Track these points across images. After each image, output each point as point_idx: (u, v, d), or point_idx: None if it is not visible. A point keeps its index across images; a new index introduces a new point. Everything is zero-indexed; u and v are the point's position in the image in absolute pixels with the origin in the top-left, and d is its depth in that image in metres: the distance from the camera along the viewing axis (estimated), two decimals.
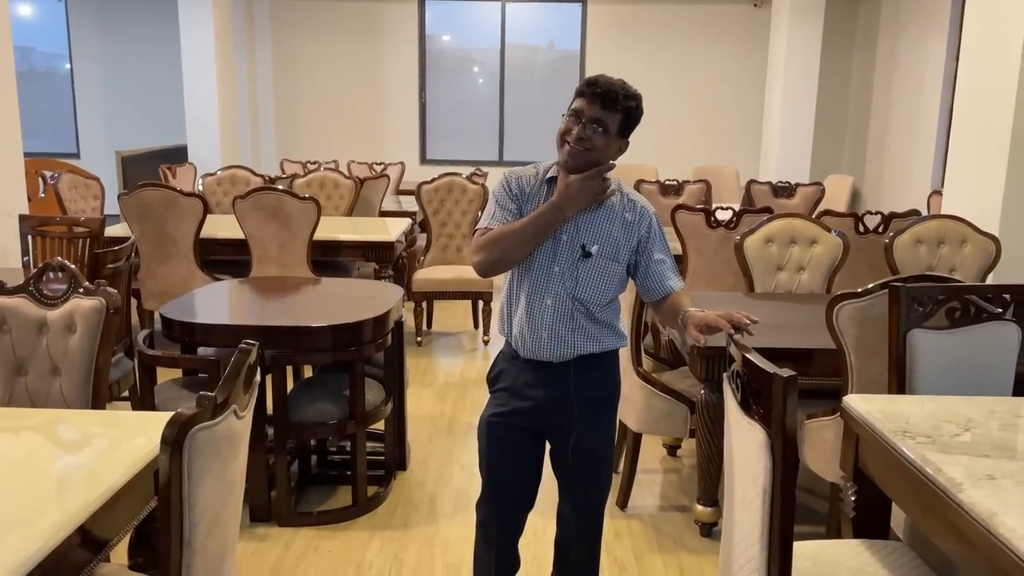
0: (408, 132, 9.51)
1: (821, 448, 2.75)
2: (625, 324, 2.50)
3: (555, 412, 2.08)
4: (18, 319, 2.31)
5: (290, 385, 3.24)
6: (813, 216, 4.28)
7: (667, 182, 6.01)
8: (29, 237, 4.15)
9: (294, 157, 8.57)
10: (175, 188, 4.84)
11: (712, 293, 3.82)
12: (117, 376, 3.31)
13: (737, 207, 5.07)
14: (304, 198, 4.69)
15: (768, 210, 4.26)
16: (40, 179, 6.84)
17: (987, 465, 1.71)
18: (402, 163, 8.35)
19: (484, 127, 9.62)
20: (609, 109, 1.96)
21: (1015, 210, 3.93)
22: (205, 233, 4.82)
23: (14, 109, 4.77)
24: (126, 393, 3.49)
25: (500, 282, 2.19)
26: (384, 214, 6.45)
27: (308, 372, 3.78)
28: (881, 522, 2.16)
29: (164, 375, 3.19)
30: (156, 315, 5.10)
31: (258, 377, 1.73)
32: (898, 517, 2.21)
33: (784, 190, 6.21)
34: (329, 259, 5.06)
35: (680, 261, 4.26)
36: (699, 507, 3.01)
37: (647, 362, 3.69)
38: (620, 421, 3.24)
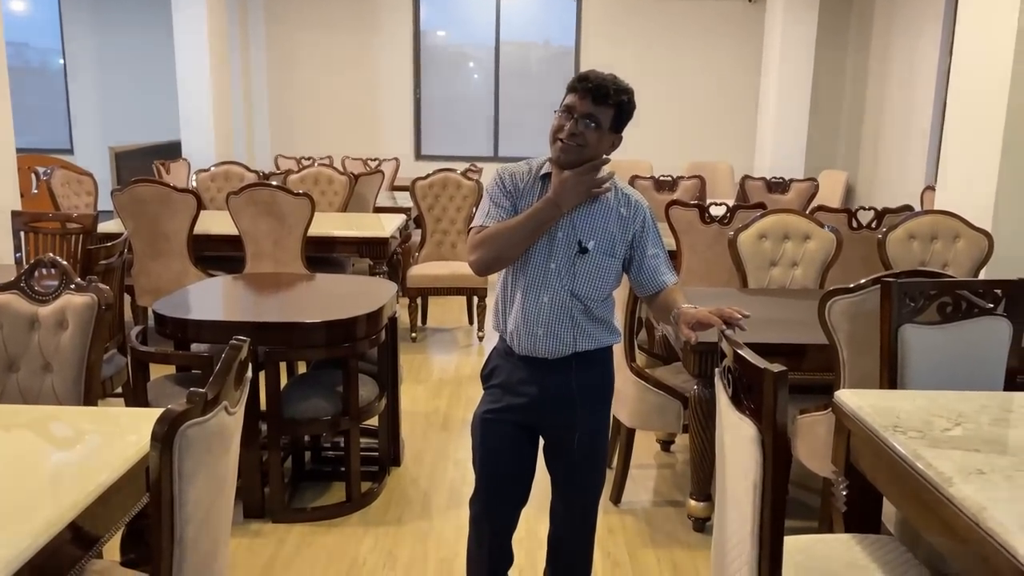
0: (403, 128, 9.49)
1: (813, 443, 2.76)
2: (619, 320, 2.51)
3: (551, 408, 2.09)
4: (9, 316, 2.31)
5: (284, 381, 3.24)
6: (807, 212, 4.29)
7: (662, 178, 6.02)
8: (21, 233, 4.13)
9: (288, 153, 8.56)
10: (168, 184, 4.82)
11: (706, 289, 3.83)
12: (110, 372, 3.31)
13: (731, 203, 5.08)
14: (298, 194, 4.68)
15: (762, 206, 4.26)
16: (33, 175, 6.82)
17: (977, 460, 1.72)
18: (397, 159, 8.34)
19: (479, 123, 9.61)
20: (601, 104, 1.96)
21: (1008, 206, 3.94)
22: (199, 229, 4.82)
23: (6, 104, 4.76)
24: (119, 390, 3.48)
25: (495, 278, 2.19)
26: (379, 210, 6.45)
27: (302, 368, 3.77)
28: (872, 517, 2.17)
29: (158, 371, 3.19)
30: (150, 311, 5.12)
31: (249, 373, 1.72)
32: (889, 512, 2.21)
33: (778, 186, 6.22)
34: (323, 255, 5.06)
35: (674, 257, 4.27)
36: (692, 502, 3.02)
37: (641, 357, 3.70)
38: (613, 416, 3.24)
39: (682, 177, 6.06)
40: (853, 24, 8.91)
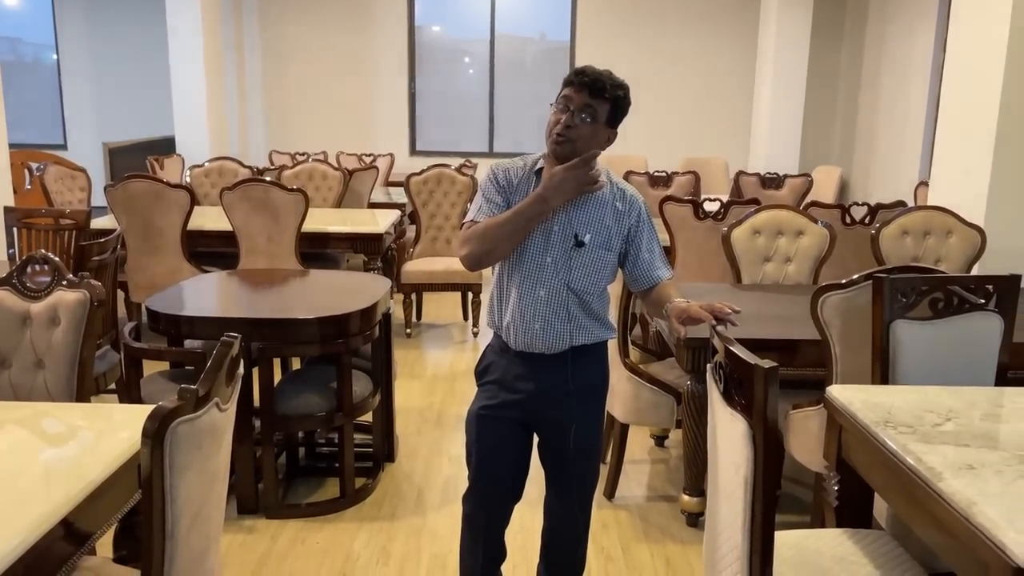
0: (398, 123, 9.48)
1: (806, 438, 2.77)
2: (613, 316, 2.51)
3: (546, 403, 2.09)
4: (1, 312, 2.30)
5: (278, 377, 3.24)
6: (800, 208, 4.29)
7: (656, 173, 6.02)
8: (14, 229, 4.12)
9: (283, 148, 8.54)
10: (162, 180, 4.81)
11: (700, 284, 3.84)
12: (104, 369, 3.30)
13: (725, 198, 5.08)
14: (292, 190, 4.67)
15: (755, 201, 4.27)
16: (26, 171, 6.79)
17: (968, 455, 1.72)
18: (391, 154, 8.33)
19: (474, 118, 9.60)
20: (597, 97, 1.96)
21: (1000, 201, 3.95)
22: (192, 225, 4.81)
23: None
24: (113, 386, 3.48)
25: (490, 274, 2.19)
26: (373, 205, 6.44)
27: (296, 364, 3.77)
28: (864, 511, 2.18)
29: (151, 368, 3.18)
30: (143, 307, 5.11)
31: (241, 369, 1.72)
32: (880, 506, 2.22)
33: (772, 181, 6.23)
34: (317, 251, 5.05)
35: (668, 252, 4.27)
36: (685, 497, 3.03)
37: (635, 353, 3.70)
38: (608, 412, 3.24)
39: (676, 173, 6.06)
40: (848, 20, 8.92)
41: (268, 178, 5.02)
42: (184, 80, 7.75)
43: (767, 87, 8.09)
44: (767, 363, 1.54)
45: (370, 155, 8.18)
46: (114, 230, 4.20)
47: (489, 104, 9.51)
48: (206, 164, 6.41)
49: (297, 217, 4.66)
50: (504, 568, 2.31)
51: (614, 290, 2.68)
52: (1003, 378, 2.38)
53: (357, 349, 3.19)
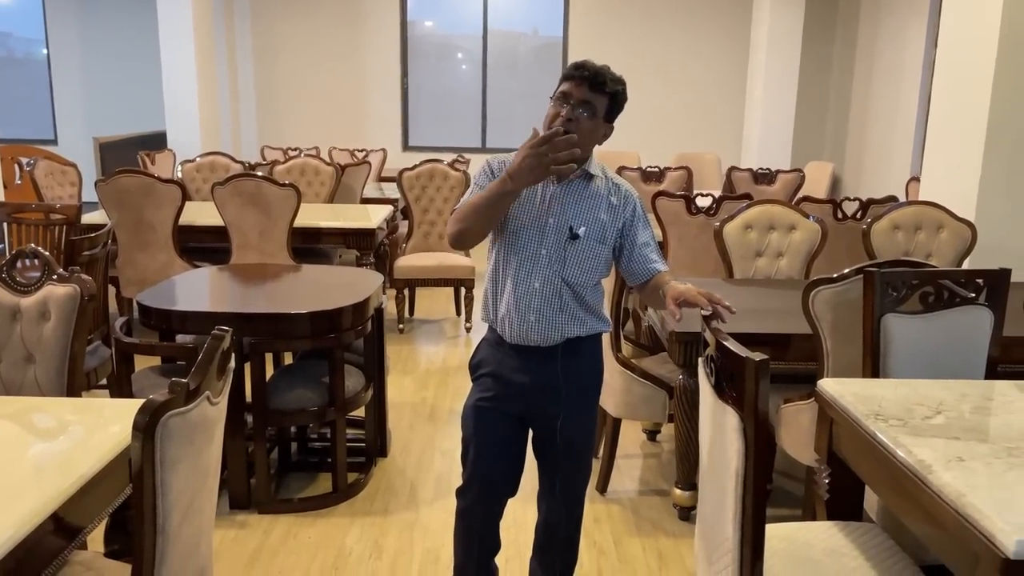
0: (390, 118, 9.45)
1: (797, 432, 2.78)
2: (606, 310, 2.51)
3: (542, 397, 2.09)
4: None
5: (270, 372, 3.23)
6: (792, 203, 4.30)
7: (649, 169, 6.02)
8: (5, 224, 4.10)
9: (275, 144, 8.51)
10: (153, 175, 4.79)
11: (692, 279, 3.80)
12: (95, 364, 3.29)
13: (718, 194, 5.09)
14: (284, 185, 4.66)
15: (748, 196, 4.28)
16: (16, 165, 6.75)
17: (958, 447, 1.73)
18: (384, 150, 8.31)
19: (467, 114, 9.58)
20: (597, 91, 1.97)
21: (991, 196, 3.97)
22: (184, 220, 4.79)
23: None
24: (104, 381, 3.47)
25: (482, 268, 2.19)
26: (366, 201, 6.42)
27: (288, 359, 3.76)
28: (854, 504, 2.19)
29: (142, 363, 3.17)
30: (134, 302, 5.09)
31: (232, 363, 1.72)
32: (871, 499, 2.23)
33: (765, 177, 6.24)
34: (310, 246, 5.04)
35: (661, 248, 4.26)
36: (677, 491, 3.03)
37: (627, 348, 3.71)
38: (600, 406, 3.25)
39: (669, 168, 6.06)
40: (840, 15, 8.93)
41: (260, 173, 5.00)
42: (175, 75, 7.71)
43: (759, 83, 8.10)
44: (758, 356, 1.55)
45: (363, 150, 8.16)
46: (105, 225, 4.18)
47: (482, 100, 9.50)
48: (197, 159, 6.38)
49: (289, 212, 4.65)
50: (497, 561, 2.31)
51: (607, 285, 2.69)
52: (993, 371, 2.39)
53: (349, 344, 3.18)
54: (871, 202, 4.31)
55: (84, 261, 3.36)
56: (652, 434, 3.80)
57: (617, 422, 3.22)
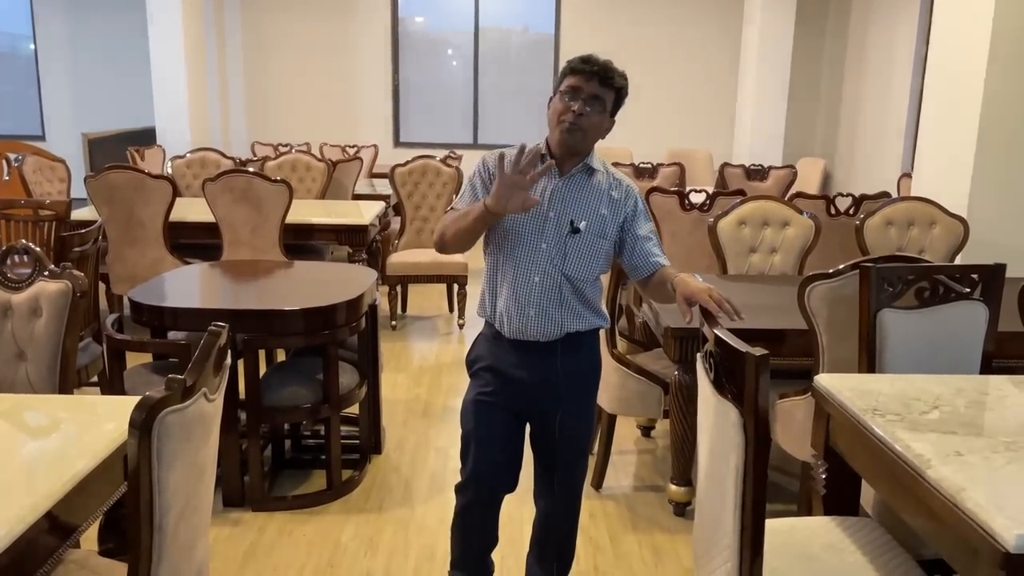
0: (381, 114, 9.41)
1: (792, 427, 2.78)
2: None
3: (541, 392, 2.08)
4: None
5: (263, 369, 3.21)
6: (785, 199, 4.31)
7: (642, 165, 6.02)
8: None
9: (265, 139, 8.47)
10: (143, 170, 4.76)
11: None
12: (86, 361, 3.26)
13: (711, 190, 5.09)
14: (276, 181, 4.63)
15: (741, 193, 4.28)
16: (4, 161, 6.69)
17: (955, 442, 1.73)
18: (375, 146, 8.29)
19: (458, 110, 9.55)
20: (606, 86, 1.98)
21: (983, 192, 3.98)
22: (175, 216, 4.76)
23: None
24: (95, 378, 3.44)
25: (476, 265, 2.19)
26: (357, 197, 6.40)
27: (281, 356, 3.75)
28: (851, 499, 2.19)
29: (133, 360, 3.14)
30: (125, 299, 5.05)
31: (228, 360, 1.70)
32: (867, 494, 2.24)
33: (757, 173, 6.25)
34: (302, 243, 5.02)
35: None
36: (673, 487, 3.03)
37: (621, 344, 3.71)
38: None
39: (662, 164, 6.07)
40: (831, 11, 8.95)
41: (251, 169, 4.97)
42: (165, 70, 7.65)
43: (751, 79, 8.11)
44: (758, 351, 1.54)
45: (354, 146, 8.13)
46: (95, 221, 4.14)
47: (473, 95, 9.47)
48: (188, 155, 6.34)
49: (281, 208, 4.63)
50: (492, 556, 2.31)
51: (603, 280, 2.68)
52: (988, 366, 2.40)
53: (343, 341, 3.16)
54: (864, 198, 4.32)
55: (75, 257, 3.33)
56: (647, 430, 3.80)
57: (612, 418, 3.22)
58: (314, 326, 2.97)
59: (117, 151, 7.13)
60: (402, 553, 2.76)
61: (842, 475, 2.14)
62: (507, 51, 9.61)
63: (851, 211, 4.24)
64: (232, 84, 9.35)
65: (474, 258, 5.81)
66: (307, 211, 5.10)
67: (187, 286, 3.43)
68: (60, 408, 1.98)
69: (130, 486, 1.41)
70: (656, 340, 3.52)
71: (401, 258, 5.35)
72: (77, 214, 4.53)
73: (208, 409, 1.56)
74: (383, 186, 7.41)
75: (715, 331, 1.71)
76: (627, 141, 8.10)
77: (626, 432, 3.74)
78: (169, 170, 6.27)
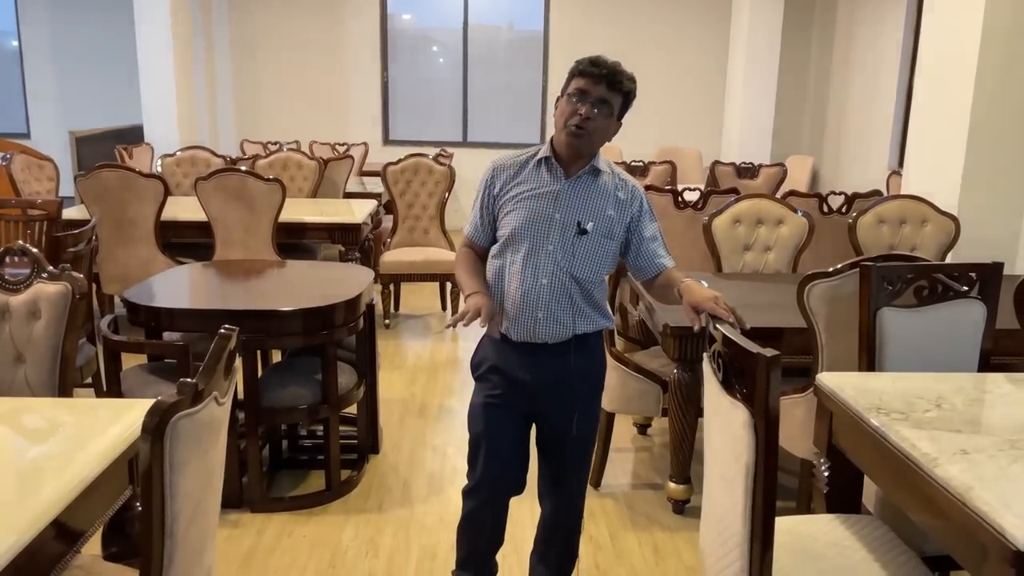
0: (370, 112, 9.36)
1: (791, 425, 2.80)
2: None
3: (550, 394, 2.08)
4: None
5: (260, 370, 3.19)
6: (778, 197, 4.33)
7: (633, 163, 6.02)
8: None
9: (254, 138, 8.41)
10: (134, 169, 4.72)
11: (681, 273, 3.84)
12: (80, 363, 3.23)
13: (702, 187, 5.11)
14: (269, 179, 4.61)
15: (735, 191, 4.30)
16: None
17: (960, 440, 1.75)
18: (365, 143, 8.25)
19: (447, 108, 9.52)
20: (614, 90, 1.98)
21: (973, 190, 4.01)
22: (166, 215, 4.73)
23: None
24: (89, 380, 3.41)
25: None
26: (348, 195, 6.38)
27: (276, 356, 3.73)
28: (853, 497, 2.21)
29: (127, 361, 3.12)
30: (116, 299, 5.01)
31: (237, 363, 1.69)
32: (868, 491, 2.25)
33: (747, 171, 6.27)
34: (294, 241, 4.99)
35: None
36: (672, 485, 3.04)
37: (618, 342, 3.71)
38: None
39: (653, 162, 6.08)
40: (818, 8, 8.99)
41: (243, 168, 4.94)
42: (152, 67, 7.57)
43: (739, 77, 8.14)
44: (769, 351, 1.55)
45: (344, 144, 8.09)
46: (85, 220, 4.09)
47: (463, 93, 9.45)
48: (178, 153, 6.29)
49: (274, 207, 4.60)
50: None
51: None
52: (986, 364, 2.42)
53: (341, 340, 3.15)
54: (856, 196, 4.35)
55: (68, 258, 3.29)
56: (643, 428, 3.81)
57: (611, 416, 3.23)
58: (313, 326, 2.95)
59: (104, 149, 7.06)
60: (403, 553, 2.76)
61: (844, 473, 2.16)
62: (496, 48, 9.59)
63: (843, 209, 4.27)
64: (220, 81, 9.27)
65: None
66: (299, 210, 5.07)
67: (183, 286, 3.41)
68: (63, 411, 1.96)
69: (142, 492, 1.40)
70: (652, 338, 3.54)
71: (394, 256, 5.33)
72: (66, 213, 4.49)
73: (218, 413, 1.55)
74: (373, 184, 7.39)
75: (724, 331, 1.72)
76: (616, 139, 8.04)
77: (623, 430, 3.75)
78: (159, 168, 6.22)
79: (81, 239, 3.42)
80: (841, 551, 1.91)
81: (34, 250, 2.32)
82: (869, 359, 2.38)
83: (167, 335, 3.12)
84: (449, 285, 5.45)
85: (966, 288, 2.41)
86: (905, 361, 2.35)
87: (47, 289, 2.26)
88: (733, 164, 6.47)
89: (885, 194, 4.92)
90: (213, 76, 9.17)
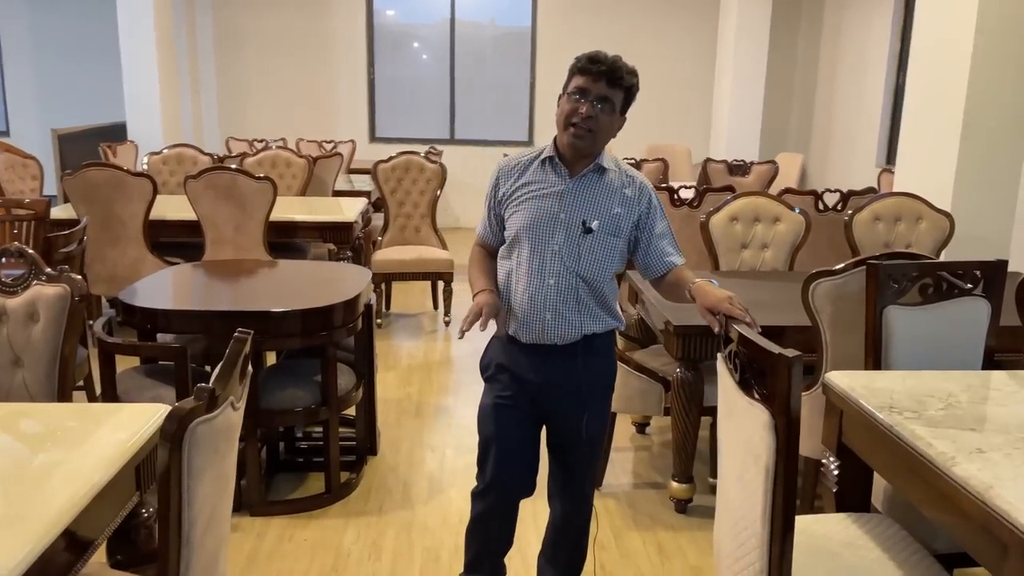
0: (356, 109, 9.30)
1: None
2: None
3: (560, 395, 2.07)
4: None
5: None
6: (771, 194, 4.33)
7: (625, 160, 6.01)
8: None
9: (238, 135, 8.33)
10: (123, 168, 4.65)
11: None
12: None
13: (691, 184, 5.11)
14: (259, 178, 4.56)
15: (731, 188, 4.30)
16: None
17: (974, 438, 1.75)
18: (352, 141, 8.19)
19: (434, 104, 9.47)
20: (615, 86, 1.96)
21: (967, 187, 4.04)
22: (154, 215, 4.66)
23: None
24: (80, 383, 3.35)
25: (461, 261, 2.19)
26: (337, 194, 6.32)
27: (270, 358, 3.68)
28: (862, 496, 2.21)
29: (118, 364, 3.06)
30: (103, 300, 4.93)
31: (250, 367, 1.66)
32: (876, 489, 2.26)
33: (739, 168, 6.29)
34: (284, 240, 4.94)
35: None
36: (675, 484, 3.04)
37: (617, 340, 3.70)
38: None
39: (646, 160, 6.08)
40: (804, 7, 9.03)
41: (233, 166, 4.88)
42: (136, 63, 7.46)
43: (728, 74, 8.16)
44: (791, 352, 1.54)
45: (331, 142, 8.03)
46: (72, 220, 4.03)
47: (450, 90, 9.40)
48: (165, 151, 6.20)
49: (265, 206, 4.55)
50: None
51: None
52: (990, 361, 2.43)
53: (340, 341, 3.12)
54: (852, 193, 4.36)
55: (60, 259, 3.24)
56: (641, 427, 3.80)
57: (612, 416, 3.22)
58: (312, 327, 2.92)
59: (87, 147, 6.95)
60: (407, 556, 2.74)
61: (854, 472, 2.16)
62: (483, 45, 9.55)
63: (839, 207, 4.28)
64: (203, 78, 9.17)
65: (463, 254, 5.78)
66: (289, 208, 5.02)
67: (179, 287, 3.36)
68: (66, 417, 1.92)
69: (159, 499, 1.37)
70: (651, 336, 3.53)
71: (386, 255, 5.29)
72: (52, 213, 4.41)
73: (234, 418, 1.52)
74: (361, 182, 7.34)
75: (742, 332, 1.71)
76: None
77: (621, 429, 3.74)
78: (145, 167, 6.13)
79: (73, 239, 3.37)
80: (856, 550, 1.91)
81: (31, 251, 2.27)
82: (875, 357, 2.39)
83: (160, 336, 3.07)
84: (441, 284, 5.41)
85: (970, 286, 2.42)
86: (910, 359, 2.36)
87: (45, 291, 2.21)
88: (724, 161, 6.48)
89: (878, 191, 4.95)
90: (196, 73, 9.06)
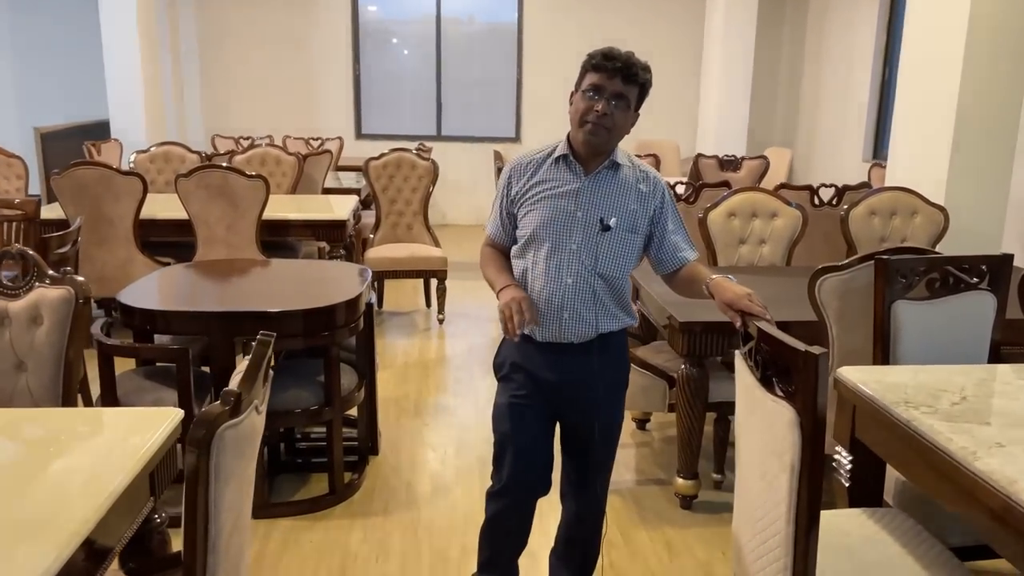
0: (342, 106, 9.23)
1: None
2: None
3: (576, 393, 2.06)
4: None
5: None
6: (763, 188, 4.35)
7: None
8: None
9: (223, 132, 8.24)
10: (112, 166, 4.58)
11: None
12: None
13: (686, 180, 5.11)
14: (252, 176, 4.51)
15: (727, 184, 4.31)
16: None
17: (993, 433, 1.77)
18: (340, 138, 8.13)
19: (420, 100, 9.42)
20: (630, 83, 1.94)
21: (960, 181, 4.07)
22: (144, 214, 4.60)
23: None
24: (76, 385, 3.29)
25: (454, 259, 2.18)
26: (326, 191, 6.28)
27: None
28: (875, 490, 2.22)
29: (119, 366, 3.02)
30: (91, 301, 4.86)
31: (271, 371, 1.64)
32: (888, 483, 2.27)
33: (730, 164, 6.31)
34: (275, 239, 4.89)
35: None
36: (680, 480, 3.04)
37: None
38: None
39: (639, 156, 6.07)
40: (789, 3, 9.06)
41: (224, 164, 4.83)
42: (118, 60, 7.34)
43: (715, 70, 8.18)
44: (817, 349, 1.54)
45: (317, 139, 7.97)
46: (61, 220, 3.97)
47: (436, 86, 9.35)
48: (152, 149, 6.12)
49: (258, 204, 4.51)
50: None
51: None
52: (996, 354, 2.45)
53: (342, 342, 3.09)
54: (847, 188, 4.38)
55: (55, 260, 3.19)
56: (642, 423, 3.80)
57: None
58: (315, 327, 2.89)
59: (70, 146, 6.85)
60: (415, 557, 2.72)
61: (867, 467, 2.17)
62: (469, 41, 9.50)
63: (834, 201, 4.30)
64: (187, 75, 9.05)
65: (453, 252, 5.75)
66: (281, 207, 4.97)
67: (178, 288, 3.32)
68: (77, 422, 1.89)
69: (186, 505, 1.34)
70: (652, 333, 3.53)
71: (378, 253, 5.25)
72: (41, 213, 4.34)
73: (258, 423, 1.50)
74: (349, 179, 7.30)
75: (765, 328, 1.70)
76: None
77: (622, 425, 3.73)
78: (132, 165, 6.05)
79: (67, 240, 3.31)
80: (874, 545, 1.91)
81: (32, 253, 2.22)
82: (883, 352, 2.40)
83: (157, 338, 3.02)
84: (434, 281, 5.38)
85: (976, 280, 2.44)
86: (918, 353, 2.37)
87: (49, 294, 2.17)
88: (716, 157, 6.50)
89: (870, 186, 4.98)
90: (179, 70, 8.95)
